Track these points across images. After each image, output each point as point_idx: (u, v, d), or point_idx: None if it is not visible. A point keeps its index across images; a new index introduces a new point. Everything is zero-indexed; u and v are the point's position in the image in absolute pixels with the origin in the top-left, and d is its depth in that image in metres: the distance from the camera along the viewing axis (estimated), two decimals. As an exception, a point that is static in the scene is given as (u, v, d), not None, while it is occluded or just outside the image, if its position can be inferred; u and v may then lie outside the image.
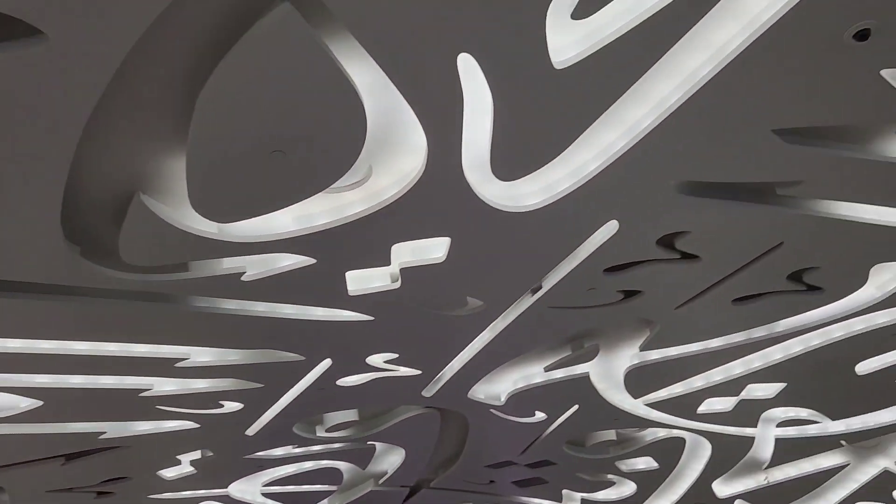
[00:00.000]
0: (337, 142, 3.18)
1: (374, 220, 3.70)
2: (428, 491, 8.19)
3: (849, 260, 4.69)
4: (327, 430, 6.36)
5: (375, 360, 5.30)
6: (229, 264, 3.99)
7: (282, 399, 5.64)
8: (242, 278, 4.01)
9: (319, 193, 3.59)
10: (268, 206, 3.50)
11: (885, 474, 7.06)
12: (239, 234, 3.69)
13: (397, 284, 4.34)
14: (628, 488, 8.39)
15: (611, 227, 4.09)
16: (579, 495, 8.68)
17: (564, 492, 8.62)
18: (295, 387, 5.49)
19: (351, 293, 4.34)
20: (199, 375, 5.17)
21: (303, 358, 5.05)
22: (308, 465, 7.24)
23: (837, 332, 5.57)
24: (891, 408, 6.51)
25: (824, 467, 7.36)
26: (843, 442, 6.99)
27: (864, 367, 5.99)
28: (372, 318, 4.64)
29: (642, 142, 3.37)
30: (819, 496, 7.64)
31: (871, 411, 6.61)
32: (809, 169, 3.77)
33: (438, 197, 3.60)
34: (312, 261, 3.98)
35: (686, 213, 4.03)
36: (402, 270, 4.22)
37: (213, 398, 5.52)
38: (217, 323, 4.46)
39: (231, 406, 5.69)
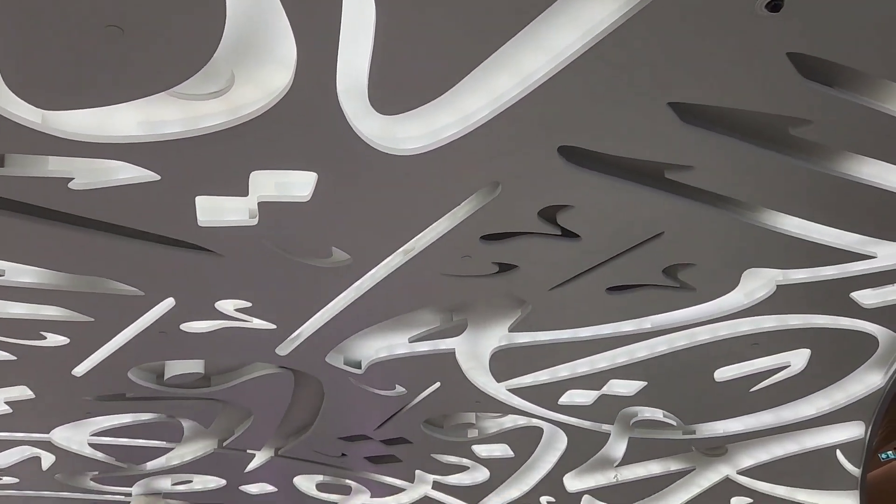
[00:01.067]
0: (188, 33, 2.73)
1: (233, 138, 3.26)
2: (275, 458, 7.74)
3: (724, 261, 4.67)
4: (168, 381, 5.80)
5: (226, 306, 4.83)
6: (56, 166, 3.44)
7: (116, 338, 5.06)
8: (70, 185, 3.47)
9: (172, 98, 3.13)
10: (100, 97, 2.99)
11: (727, 481, 7.28)
12: (68, 128, 3.16)
13: (254, 221, 3.91)
14: (481, 474, 8.28)
15: (494, 189, 3.83)
16: (432, 477, 8.49)
17: (417, 472, 8.40)
18: (132, 326, 4.92)
19: (201, 223, 3.87)
20: (16, 298, 4.54)
21: (142, 293, 4.51)
22: (145, 417, 6.64)
23: (702, 335, 5.60)
24: (740, 417, 6.67)
25: (672, 470, 7.50)
26: (693, 448, 7.13)
27: (723, 374, 6.08)
28: (223, 255, 4.18)
29: (536, 93, 3.11)
30: (663, 498, 7.79)
31: (723, 419, 6.75)
32: (702, 154, 3.65)
33: (307, 120, 3.21)
34: (157, 177, 3.49)
35: (572, 185, 3.83)
36: (262, 205, 3.80)
37: (33, 328, 4.88)
38: (41, 237, 3.88)
39: (55, 340, 5.06)
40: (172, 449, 7.32)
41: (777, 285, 4.90)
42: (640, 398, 6.47)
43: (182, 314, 4.82)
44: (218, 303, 4.76)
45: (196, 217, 3.82)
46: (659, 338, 5.69)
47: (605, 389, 6.37)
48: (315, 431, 7.20)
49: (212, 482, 8.46)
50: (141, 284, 4.43)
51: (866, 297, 5.08)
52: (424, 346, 5.83)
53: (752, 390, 6.18)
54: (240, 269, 4.36)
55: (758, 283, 5.05)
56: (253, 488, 8.64)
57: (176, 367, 5.66)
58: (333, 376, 6.10)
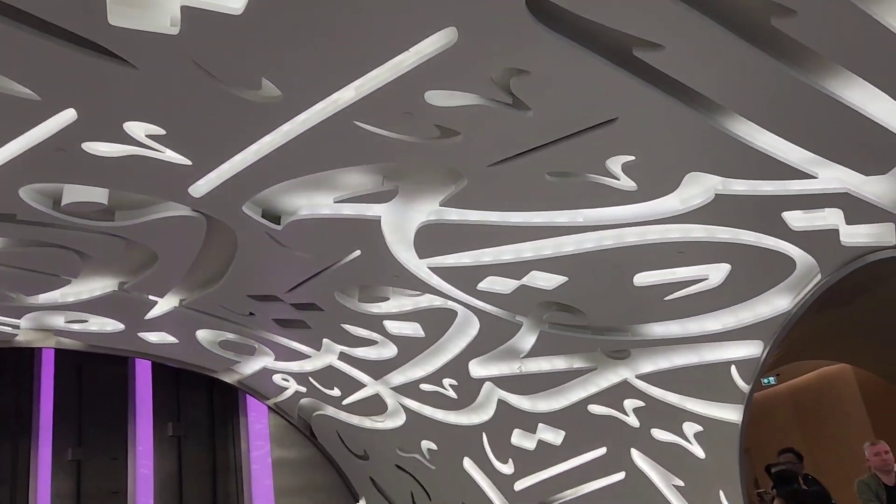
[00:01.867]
0: None
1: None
2: (178, 309, 7.45)
3: (669, 159, 4.53)
4: (65, 207, 5.31)
5: (135, 129, 4.36)
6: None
7: (5, 148, 4.52)
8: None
9: None
10: None
11: (624, 384, 7.50)
12: None
13: (175, 30, 3.44)
14: (389, 351, 8.25)
15: (449, 36, 3.49)
16: (339, 348, 8.42)
17: (325, 341, 8.30)
18: (24, 136, 4.39)
19: (111, 22, 3.38)
20: None
21: (37, 98, 3.99)
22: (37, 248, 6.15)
23: (631, 236, 5.54)
24: (649, 324, 6.79)
25: (574, 367, 7.66)
26: (598, 348, 7.26)
27: (642, 279, 6.10)
28: (136, 68, 3.70)
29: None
30: (561, 393, 8.00)
31: (633, 323, 6.86)
32: (676, 35, 3.41)
33: None
34: (63, -46, 2.97)
35: (534, 48, 3.53)
36: (185, 10, 3.33)
37: None
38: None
39: (-65, 142, 4.49)
40: (68, 284, 6.90)
41: (716, 194, 4.83)
42: (558, 292, 6.45)
43: (84, 131, 4.32)
44: (127, 124, 4.28)
45: (106, 14, 3.32)
46: (588, 234, 5.61)
47: (526, 280, 6.31)
48: (224, 286, 6.91)
49: (109, 325, 8.12)
50: (37, 88, 3.91)
51: (796, 219, 5.10)
52: (349, 210, 5.56)
53: (666, 298, 6.25)
54: (155, 88, 3.90)
55: (696, 189, 4.97)
56: (152, 336, 8.35)
57: (75, 194, 5.17)
58: (249, 228, 5.77)
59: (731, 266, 5.79)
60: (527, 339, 7.45)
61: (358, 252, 6.14)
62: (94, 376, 12.07)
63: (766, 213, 5.03)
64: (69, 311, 7.66)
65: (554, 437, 8.49)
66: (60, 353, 11.88)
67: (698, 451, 7.59)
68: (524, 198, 5.18)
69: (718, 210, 5.01)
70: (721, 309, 6.40)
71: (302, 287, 6.88)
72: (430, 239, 5.79)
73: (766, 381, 15.36)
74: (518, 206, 5.31)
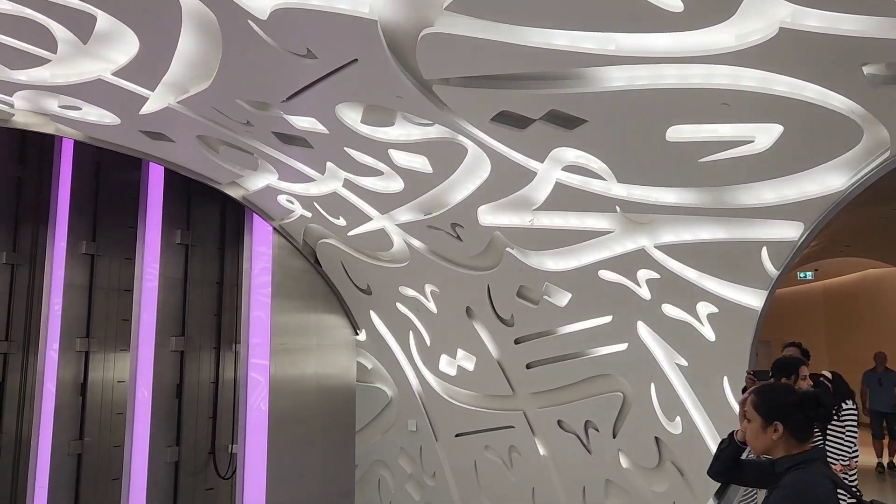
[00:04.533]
0: None
1: None
2: (171, 109, 6.88)
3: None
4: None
5: None
6: None
7: None
8: None
9: None
10: None
11: (641, 252, 6.84)
12: None
13: None
14: (396, 184, 7.68)
15: None
16: (344, 174, 7.86)
17: (328, 164, 7.73)
18: None
19: None
20: None
21: None
22: (4, 8, 5.52)
23: (670, 76, 4.65)
24: (677, 188, 6.01)
25: (589, 227, 6.99)
26: (617, 208, 6.54)
27: (677, 132, 5.26)
28: None
29: None
30: (571, 252, 7.40)
31: (659, 185, 6.08)
32: None
33: None
34: None
35: None
36: None
37: None
38: None
39: None
40: (49, 61, 6.33)
41: (780, 28, 3.88)
42: (577, 138, 5.67)
43: None
44: None
45: None
46: (619, 67, 4.73)
47: (543, 118, 5.52)
48: (214, 86, 6.27)
49: (106, 117, 7.64)
50: None
51: (878, 76, 4.13)
52: (344, 4, 4.75)
53: (701, 160, 5.42)
54: None
55: (758, 23, 4.02)
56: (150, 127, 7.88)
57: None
58: (232, 16, 5.04)
59: (784, 129, 4.89)
60: (541, 189, 6.76)
61: (355, 59, 5.38)
62: (110, 178, 11.96)
63: (840, 63, 4.08)
64: (61, 94, 7.18)
65: (559, 297, 8.01)
66: (79, 152, 11.73)
67: (709, 333, 7.03)
68: (547, 11, 4.28)
69: (780, 51, 4.08)
70: (763, 180, 5.56)
71: (298, 98, 6.21)
72: (442, 52, 4.98)
73: (802, 275, 14.50)
74: (540, 19, 4.42)
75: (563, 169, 6.34)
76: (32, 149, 13.14)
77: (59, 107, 7.56)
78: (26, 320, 12.62)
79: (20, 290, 12.80)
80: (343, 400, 10.70)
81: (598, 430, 8.33)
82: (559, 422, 8.67)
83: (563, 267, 7.61)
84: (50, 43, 5.94)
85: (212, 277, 10.95)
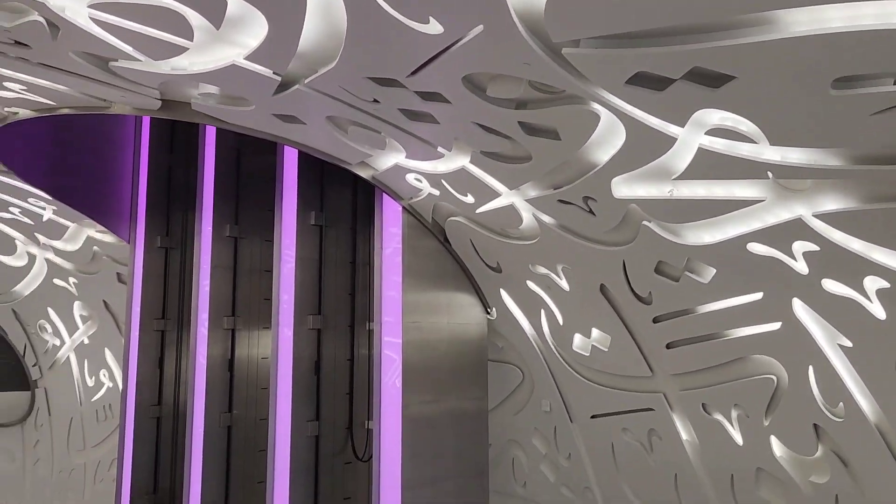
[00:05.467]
0: None
1: None
2: (301, 90, 6.98)
3: None
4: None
5: None
6: None
7: None
8: None
9: None
10: None
11: (798, 222, 6.19)
12: None
13: None
14: (525, 157, 7.41)
15: None
16: (471, 148, 7.69)
17: (456, 140, 7.59)
18: None
19: None
20: None
21: None
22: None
23: (835, 21, 4.08)
24: (842, 148, 5.34)
25: (737, 196, 6.42)
26: (769, 174, 5.93)
27: (843, 85, 4.64)
28: None
29: None
30: (715, 225, 6.84)
31: (819, 146, 5.43)
32: None
33: None
34: None
35: None
36: None
37: None
38: None
39: None
40: (187, 49, 6.57)
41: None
42: (723, 97, 5.15)
43: None
44: None
45: None
46: (775, 13, 4.21)
47: (683, 78, 5.06)
48: (340, 65, 6.27)
49: (241, 102, 7.90)
50: None
51: None
52: (466, -33, 4.54)
53: (873, 114, 4.76)
54: None
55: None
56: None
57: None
58: (354, -11, 4.97)
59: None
60: (682, 156, 6.27)
61: (480, 27, 5.16)
62: (249, 163, 12.53)
63: None
64: (199, 81, 7.49)
65: (702, 273, 7.47)
66: (220, 140, 12.35)
67: (878, 311, 6.28)
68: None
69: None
70: (949, 135, 4.82)
71: (423, 72, 6.08)
72: (564, 14, 4.66)
73: None
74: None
75: (706, 133, 5.82)
76: (180, 138, 14.01)
77: (199, 94, 7.89)
78: (179, 300, 13.54)
79: (173, 271, 13.73)
80: (475, 378, 10.65)
81: (747, 416, 7.74)
82: (703, 405, 8.14)
83: (706, 240, 7.07)
84: (186, 31, 6.15)
85: (345, 257, 11.20)
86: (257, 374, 12.24)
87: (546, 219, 8.34)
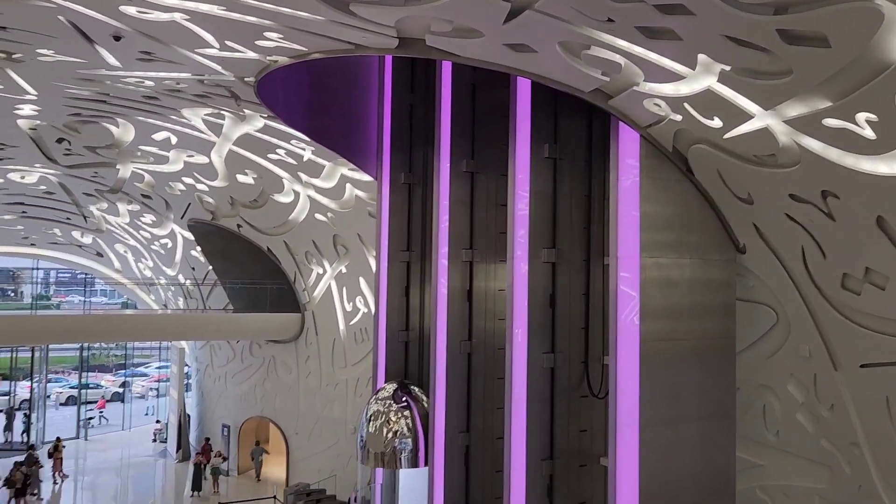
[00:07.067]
0: None
1: None
2: (532, 14, 6.70)
3: None
4: None
5: None
6: None
7: None
8: None
9: None
10: None
11: None
12: None
13: None
14: (785, 70, 6.47)
15: None
16: (720, 66, 6.89)
17: (700, 57, 6.84)
18: None
19: None
20: None
21: None
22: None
23: None
24: None
25: None
26: None
27: None
28: None
29: None
30: None
31: None
32: None
33: None
34: None
35: None
36: None
37: None
38: None
39: None
40: None
41: None
42: None
43: None
44: None
45: None
46: None
47: None
48: (572, -18, 5.89)
49: (473, 33, 7.84)
50: None
51: None
52: None
53: None
54: None
55: None
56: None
57: None
58: None
59: None
60: None
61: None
62: (484, 98, 12.57)
63: None
64: (435, 15, 7.54)
65: None
66: (456, 76, 12.53)
67: None
68: None
69: None
70: None
71: (664, -19, 5.49)
72: None
73: None
74: None
75: None
76: (419, 78, 14.46)
77: (432, 31, 7.95)
78: (422, 233, 14.23)
79: (416, 206, 14.41)
80: (721, 318, 9.89)
81: None
82: None
83: None
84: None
85: (580, 190, 10.89)
86: (494, 305, 12.53)
87: (809, 142, 7.29)
